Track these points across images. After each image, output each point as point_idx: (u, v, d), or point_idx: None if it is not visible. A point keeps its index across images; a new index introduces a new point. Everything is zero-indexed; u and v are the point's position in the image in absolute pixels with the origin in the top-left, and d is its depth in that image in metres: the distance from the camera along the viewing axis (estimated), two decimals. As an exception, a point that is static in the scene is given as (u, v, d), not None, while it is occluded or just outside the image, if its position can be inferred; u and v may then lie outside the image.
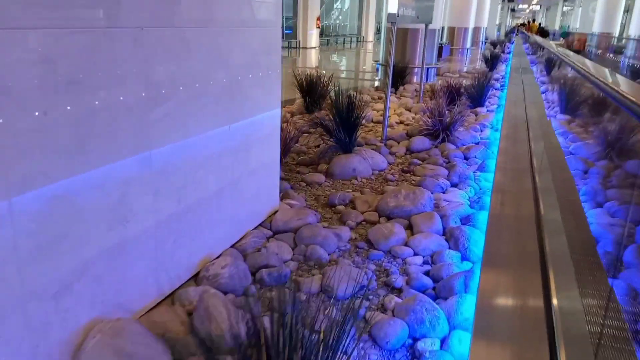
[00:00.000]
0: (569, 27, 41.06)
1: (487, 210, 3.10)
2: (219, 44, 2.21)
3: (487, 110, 6.97)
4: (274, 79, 2.77)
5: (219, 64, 2.23)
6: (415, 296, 2.12)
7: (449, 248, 2.73)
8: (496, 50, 18.43)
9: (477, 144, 5.08)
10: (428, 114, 5.38)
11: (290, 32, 21.96)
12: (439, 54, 16.02)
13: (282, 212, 2.94)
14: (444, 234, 2.92)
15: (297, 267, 2.53)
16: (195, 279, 2.29)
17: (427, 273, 2.50)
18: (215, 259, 2.36)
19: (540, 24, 43.11)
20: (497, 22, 40.05)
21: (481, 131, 5.65)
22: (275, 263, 2.45)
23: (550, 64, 13.51)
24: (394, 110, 6.91)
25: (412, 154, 4.80)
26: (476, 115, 6.66)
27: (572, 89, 7.77)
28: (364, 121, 6.13)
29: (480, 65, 14.57)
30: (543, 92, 9.05)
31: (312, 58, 17.33)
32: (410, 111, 6.91)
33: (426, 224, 2.93)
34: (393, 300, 2.21)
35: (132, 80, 1.73)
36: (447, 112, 5.30)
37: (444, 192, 3.66)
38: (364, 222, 3.17)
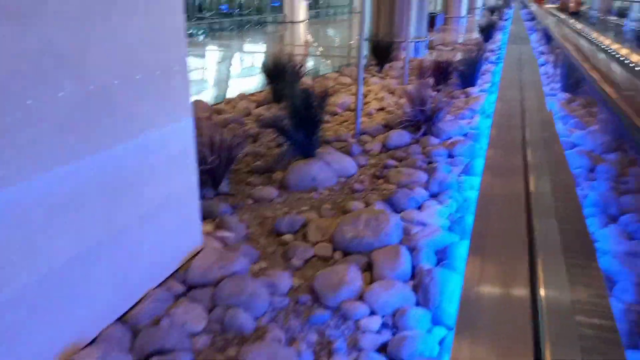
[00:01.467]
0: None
1: (468, 239, 2.42)
2: (58, 43, 1.50)
3: (480, 90, 6.22)
4: (176, 80, 2.06)
5: (59, 73, 1.53)
6: (354, 409, 1.47)
7: (417, 304, 2.06)
8: (493, 17, 17.48)
9: (465, 135, 4.38)
10: (409, 102, 4.66)
11: (278, 4, 20.91)
12: (432, 24, 15.08)
13: (203, 256, 2.27)
14: (413, 276, 2.26)
15: (210, 343, 1.88)
16: (52, 381, 1.64)
17: (383, 347, 1.84)
18: (84, 347, 1.71)
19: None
20: (495, -13, 38.55)
21: (471, 118, 4.92)
22: (176, 343, 1.79)
23: (549, 32, 12.62)
24: (376, 94, 6.17)
25: (388, 152, 4.10)
26: (467, 96, 5.92)
27: (573, 61, 6.98)
28: (339, 110, 5.42)
29: (476, 34, 13.66)
30: (542, 65, 8.27)
31: (299, 34, 16.41)
32: (394, 94, 6.16)
33: (389, 264, 2.26)
34: (327, 407, 1.56)
35: None
36: (434, 94, 4.59)
37: (419, 208, 2.98)
38: (314, 259, 2.51)
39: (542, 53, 9.85)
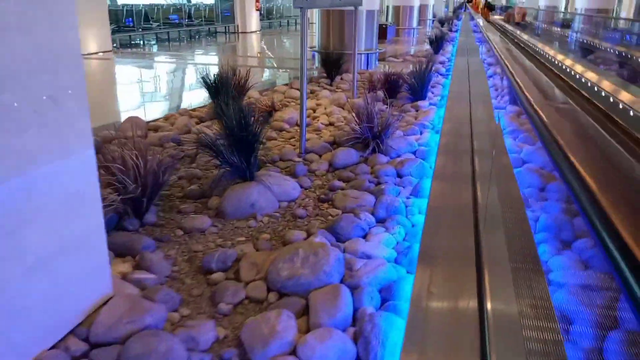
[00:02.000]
0: (515, 3, 41.17)
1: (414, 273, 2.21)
2: None
3: (430, 104, 6.11)
4: (69, 107, 1.75)
5: None
6: None
7: (357, 358, 1.82)
8: (443, 29, 17.73)
9: (415, 152, 4.21)
10: (357, 117, 4.45)
11: (229, 14, 20.53)
12: (384, 36, 15.12)
13: (112, 307, 1.95)
14: (353, 322, 2.01)
15: (111, 420, 1.57)
16: None
17: (316, 416, 1.58)
18: None
19: (487, -1, 42.81)
20: (445, -1, 39.46)
21: (420, 134, 4.77)
22: None
23: (495, 51, 12.81)
24: (325, 108, 5.95)
25: (335, 172, 3.87)
26: (417, 110, 5.80)
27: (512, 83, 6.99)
28: (286, 125, 5.16)
29: (427, 45, 13.76)
30: (490, 77, 8.31)
31: (250, 44, 16.12)
32: (343, 108, 5.97)
33: (328, 308, 2.00)
34: None
35: None
36: (384, 108, 4.40)
37: (364, 237, 2.75)
38: (246, 301, 2.23)
39: (491, 65, 9.95)
